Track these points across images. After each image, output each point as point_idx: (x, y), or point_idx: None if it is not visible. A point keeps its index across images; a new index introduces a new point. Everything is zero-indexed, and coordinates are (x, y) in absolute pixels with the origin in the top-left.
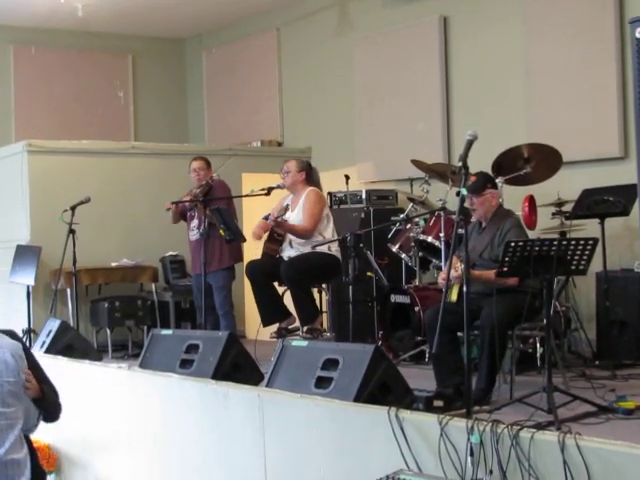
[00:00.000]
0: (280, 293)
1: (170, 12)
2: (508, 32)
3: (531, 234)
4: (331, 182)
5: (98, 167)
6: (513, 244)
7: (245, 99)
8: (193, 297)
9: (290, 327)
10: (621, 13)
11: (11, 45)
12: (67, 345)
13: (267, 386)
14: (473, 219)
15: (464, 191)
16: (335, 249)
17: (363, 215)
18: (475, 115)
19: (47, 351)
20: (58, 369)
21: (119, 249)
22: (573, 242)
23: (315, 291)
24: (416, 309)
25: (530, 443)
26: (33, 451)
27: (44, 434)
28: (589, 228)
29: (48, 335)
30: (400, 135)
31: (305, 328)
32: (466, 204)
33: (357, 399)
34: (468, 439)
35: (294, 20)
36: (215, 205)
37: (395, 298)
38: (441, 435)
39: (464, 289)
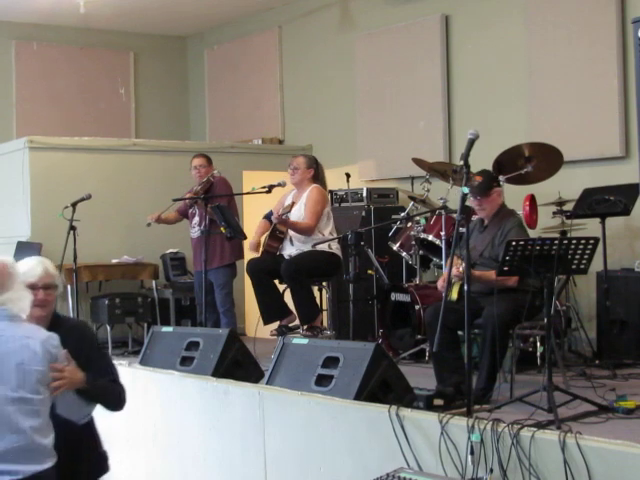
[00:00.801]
0: (281, 291)
1: (172, 9)
2: (510, 30)
3: (532, 233)
4: (332, 180)
5: (99, 164)
6: (514, 243)
7: (246, 96)
8: (194, 294)
9: (290, 325)
10: (623, 12)
11: (13, 41)
12: None
13: (267, 384)
14: (478, 217)
15: (465, 190)
16: (336, 247)
17: (364, 213)
18: (476, 113)
19: None
20: None
21: (120, 246)
22: (574, 241)
23: (316, 289)
24: (416, 307)
25: (530, 442)
26: (95, 434)
27: None
28: (590, 227)
29: None
30: (401, 133)
31: (305, 326)
32: (473, 204)
33: (357, 397)
34: (468, 438)
35: (296, 18)
36: (216, 202)
37: (396, 296)
38: (441, 434)
39: (465, 288)
